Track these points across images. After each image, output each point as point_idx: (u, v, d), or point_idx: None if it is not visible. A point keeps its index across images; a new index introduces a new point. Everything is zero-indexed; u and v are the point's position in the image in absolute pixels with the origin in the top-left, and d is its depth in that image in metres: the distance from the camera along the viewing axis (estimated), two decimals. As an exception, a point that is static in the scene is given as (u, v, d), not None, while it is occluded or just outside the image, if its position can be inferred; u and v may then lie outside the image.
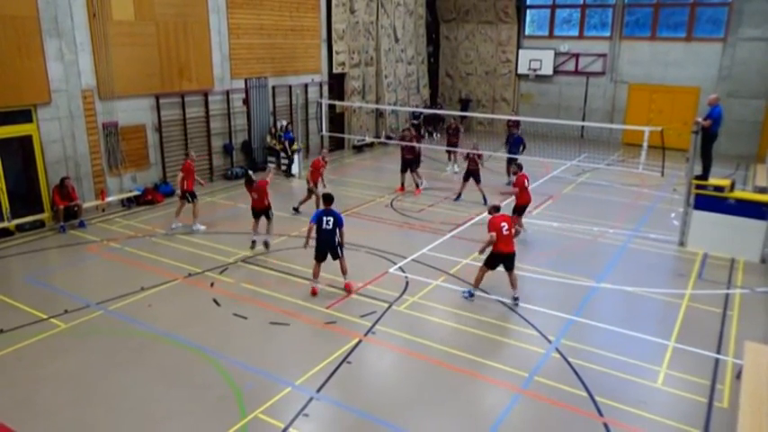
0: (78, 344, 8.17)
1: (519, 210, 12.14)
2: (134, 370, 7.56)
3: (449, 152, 18.79)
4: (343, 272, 9.86)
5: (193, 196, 12.88)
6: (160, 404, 6.88)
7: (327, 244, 9.63)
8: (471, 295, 9.68)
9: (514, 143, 17.07)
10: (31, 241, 12.15)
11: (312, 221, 9.68)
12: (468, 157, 15.31)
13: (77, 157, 13.66)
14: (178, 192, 13.19)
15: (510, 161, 16.20)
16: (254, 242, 11.71)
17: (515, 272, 9.59)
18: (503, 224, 9.32)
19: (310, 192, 13.99)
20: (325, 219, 9.57)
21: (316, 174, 13.99)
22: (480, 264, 9.67)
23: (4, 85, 12.06)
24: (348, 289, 9.85)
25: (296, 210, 14.08)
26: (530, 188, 12.38)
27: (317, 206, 13.12)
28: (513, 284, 9.53)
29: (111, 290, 9.74)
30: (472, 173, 15.08)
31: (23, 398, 6.95)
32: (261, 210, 11.77)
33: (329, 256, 9.74)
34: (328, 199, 9.88)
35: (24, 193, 13.01)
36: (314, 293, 9.67)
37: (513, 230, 9.50)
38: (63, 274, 10.78)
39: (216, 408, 6.78)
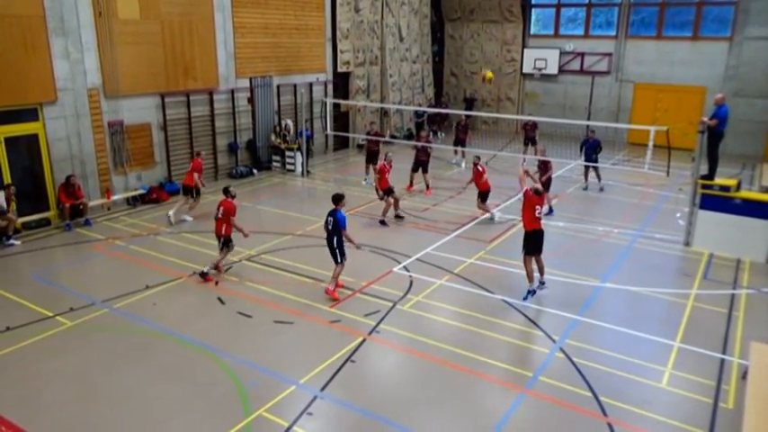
0: (83, 342, 8.21)
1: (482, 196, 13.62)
2: (139, 368, 7.58)
3: (456, 148, 18.92)
4: (333, 276, 9.54)
5: (198, 192, 13.04)
6: (164, 402, 6.91)
7: (328, 245, 9.57)
8: (531, 293, 9.63)
9: (590, 147, 16.53)
10: (36, 239, 12.20)
11: None
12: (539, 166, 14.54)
13: (83, 156, 13.72)
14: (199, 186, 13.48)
15: (587, 168, 16.44)
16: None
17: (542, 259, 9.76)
18: (536, 206, 9.58)
19: (382, 198, 13.55)
20: (327, 219, 9.52)
21: (383, 180, 13.43)
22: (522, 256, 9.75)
23: (10, 83, 12.12)
24: (327, 293, 9.47)
25: (382, 222, 13.46)
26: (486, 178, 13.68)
27: (396, 209, 13.67)
28: (542, 270, 9.71)
29: (116, 288, 9.78)
30: (422, 163, 15.76)
31: (29, 395, 6.99)
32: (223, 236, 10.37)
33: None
34: (335, 199, 9.64)
35: (30, 191, 13.07)
36: (326, 293, 9.62)
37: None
38: (69, 272, 10.83)
39: (220, 406, 6.80)
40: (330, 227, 9.43)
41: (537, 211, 9.59)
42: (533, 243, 9.61)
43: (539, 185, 10.20)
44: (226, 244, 10.27)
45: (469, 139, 18.77)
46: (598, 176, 16.69)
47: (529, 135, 19.65)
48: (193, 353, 7.94)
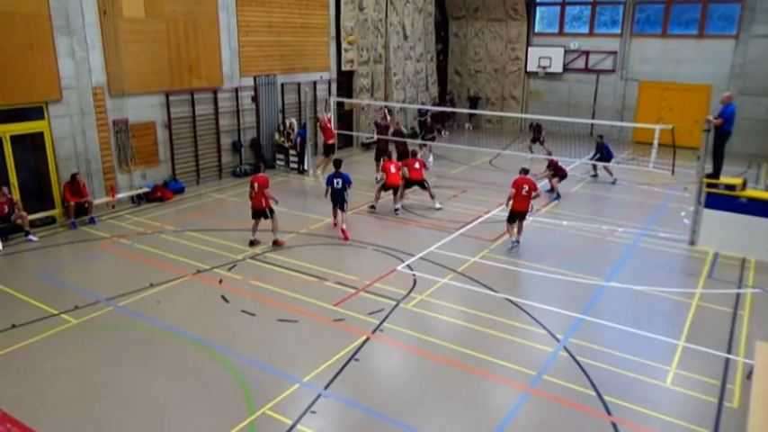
0: (88, 339, 8.24)
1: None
2: (143, 365, 7.61)
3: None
4: (342, 220, 12.32)
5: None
6: (168, 399, 6.93)
7: (338, 198, 12.35)
8: (515, 243, 11.55)
9: (606, 148, 17.07)
10: (42, 237, 12.25)
11: (327, 184, 12.50)
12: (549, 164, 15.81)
13: (88, 154, 13.76)
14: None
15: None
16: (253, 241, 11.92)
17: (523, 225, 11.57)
18: (524, 186, 11.29)
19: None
20: (335, 180, 12.31)
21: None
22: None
23: (16, 81, 12.17)
24: (344, 234, 12.11)
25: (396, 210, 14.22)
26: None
27: (432, 197, 14.43)
28: (519, 231, 11.62)
29: (120, 286, 9.82)
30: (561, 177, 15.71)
31: (34, 392, 7.02)
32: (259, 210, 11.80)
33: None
34: (337, 164, 12.88)
35: (36, 189, 13.12)
36: (335, 226, 12.45)
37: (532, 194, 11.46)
38: (73, 269, 10.88)
39: (224, 404, 6.81)
40: (340, 185, 12.30)
41: (524, 190, 11.26)
42: (514, 216, 11.57)
43: (527, 167, 12.03)
44: (271, 213, 11.65)
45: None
46: (610, 172, 17.24)
47: (536, 137, 19.63)
48: (197, 351, 7.96)
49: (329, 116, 16.96)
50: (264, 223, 11.84)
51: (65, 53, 12.98)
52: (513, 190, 11.33)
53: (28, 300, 9.35)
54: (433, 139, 19.99)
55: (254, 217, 11.74)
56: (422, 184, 14.20)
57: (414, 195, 15.68)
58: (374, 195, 14.46)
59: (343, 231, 12.22)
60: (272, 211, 11.66)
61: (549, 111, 24.12)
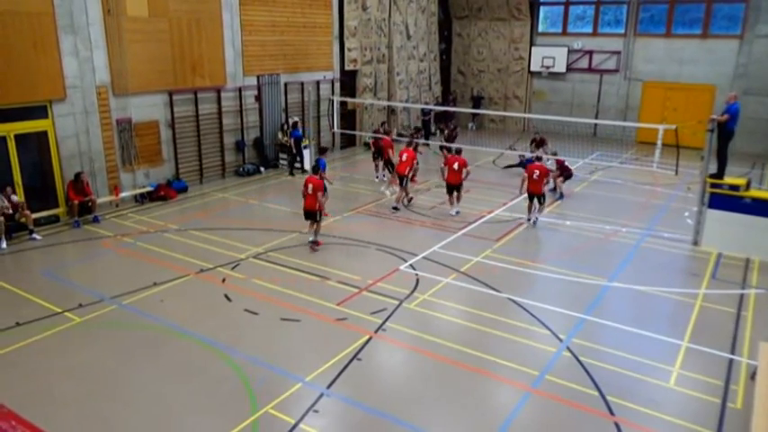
0: (93, 338, 8.26)
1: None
2: (147, 364, 7.63)
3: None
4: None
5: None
6: (172, 398, 6.95)
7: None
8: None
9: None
10: (45, 236, 12.29)
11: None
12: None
13: (92, 153, 13.80)
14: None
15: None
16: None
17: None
18: (535, 171, 12.82)
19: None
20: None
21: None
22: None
23: (20, 81, 12.21)
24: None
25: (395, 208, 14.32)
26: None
27: (399, 200, 14.51)
28: (539, 210, 13.17)
29: (124, 284, 9.84)
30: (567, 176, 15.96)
31: (38, 390, 7.05)
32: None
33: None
34: (321, 150, 14.13)
35: (40, 187, 13.16)
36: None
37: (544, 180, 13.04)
38: (77, 268, 10.91)
39: (227, 402, 6.83)
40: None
41: (535, 175, 12.78)
42: (531, 197, 13.08)
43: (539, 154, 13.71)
44: (319, 216, 11.61)
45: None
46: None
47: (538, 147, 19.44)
48: (201, 350, 7.97)
49: (392, 137, 15.85)
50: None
51: (69, 52, 13.01)
52: (526, 174, 13.00)
53: (32, 298, 9.38)
54: (430, 137, 20.02)
55: (306, 218, 11.67)
56: (458, 188, 13.72)
57: (417, 195, 15.67)
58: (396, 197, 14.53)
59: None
60: (320, 213, 11.59)
61: (553, 111, 24.10)
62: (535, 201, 13.05)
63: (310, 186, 11.41)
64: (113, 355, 7.84)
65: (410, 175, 14.38)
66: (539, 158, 13.12)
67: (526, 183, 13.01)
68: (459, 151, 14.00)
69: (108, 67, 13.84)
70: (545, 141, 18.26)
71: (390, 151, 16.08)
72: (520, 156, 18.17)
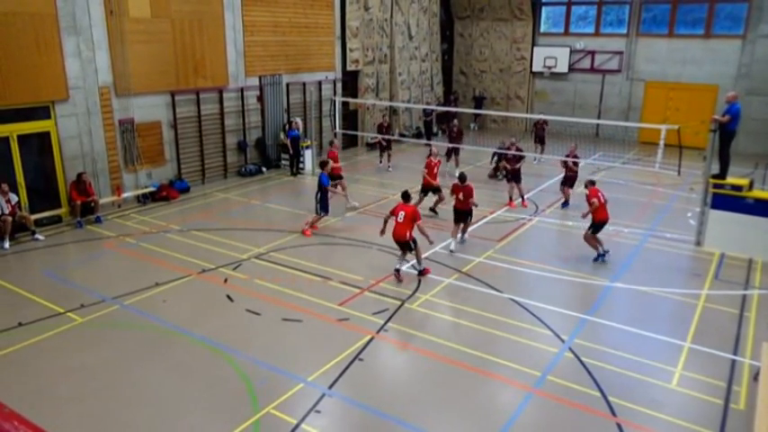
0: (95, 338, 8.27)
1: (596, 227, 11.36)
2: (149, 364, 7.64)
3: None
4: (308, 221, 12.71)
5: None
6: (174, 398, 6.95)
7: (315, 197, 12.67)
8: (602, 256, 11.12)
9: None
10: (48, 236, 12.31)
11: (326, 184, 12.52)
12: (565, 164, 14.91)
13: (94, 154, 13.82)
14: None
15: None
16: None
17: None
18: (599, 194, 11.06)
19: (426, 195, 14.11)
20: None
21: (432, 175, 13.83)
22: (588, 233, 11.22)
23: (23, 81, 12.23)
24: (303, 233, 12.39)
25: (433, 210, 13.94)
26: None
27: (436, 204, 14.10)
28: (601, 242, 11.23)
29: (126, 285, 9.85)
30: (569, 178, 14.81)
31: (40, 390, 7.06)
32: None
33: None
34: (321, 164, 13.12)
35: (42, 188, 13.18)
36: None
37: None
38: (79, 268, 10.92)
39: (229, 403, 6.83)
40: (317, 183, 12.58)
41: (602, 198, 11.12)
42: (600, 227, 11.19)
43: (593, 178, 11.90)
44: (414, 244, 10.14)
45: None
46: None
47: (539, 134, 19.51)
48: (203, 350, 7.98)
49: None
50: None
51: (71, 53, 13.04)
52: (596, 200, 10.89)
53: (34, 298, 9.40)
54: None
55: (400, 248, 10.37)
56: (466, 216, 11.96)
57: (418, 196, 15.66)
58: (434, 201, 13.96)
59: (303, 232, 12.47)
60: (415, 242, 10.17)
61: (555, 111, 24.08)
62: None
63: (402, 215, 10.03)
64: (115, 355, 7.84)
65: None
66: (592, 182, 11.39)
67: (597, 211, 11.02)
68: (463, 179, 11.87)
69: (110, 68, 13.87)
70: (547, 123, 19.11)
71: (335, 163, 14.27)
72: (495, 153, 17.31)
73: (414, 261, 10.50)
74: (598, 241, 11.19)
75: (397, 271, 10.21)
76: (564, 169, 14.94)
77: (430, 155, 14.32)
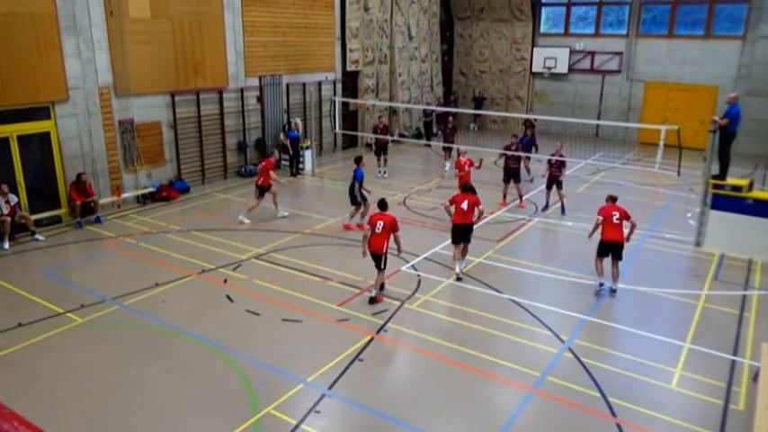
0: (94, 338, 8.27)
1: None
2: (149, 365, 7.64)
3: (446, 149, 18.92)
4: (350, 215, 13.00)
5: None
6: (174, 398, 6.95)
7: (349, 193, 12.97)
8: (602, 285, 9.87)
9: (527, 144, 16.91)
10: (48, 236, 12.30)
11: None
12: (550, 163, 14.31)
13: (94, 154, 13.82)
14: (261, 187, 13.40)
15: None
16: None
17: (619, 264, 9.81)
18: (614, 213, 9.72)
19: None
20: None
21: (466, 175, 13.42)
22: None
23: (23, 81, 12.24)
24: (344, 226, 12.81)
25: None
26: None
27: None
28: (615, 276, 9.76)
29: (126, 285, 9.85)
30: (513, 172, 14.63)
31: (40, 390, 7.06)
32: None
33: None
34: (356, 160, 13.12)
35: (42, 188, 13.18)
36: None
37: (623, 221, 9.71)
38: (79, 269, 10.92)
39: (228, 403, 6.83)
40: (351, 180, 12.77)
41: (615, 218, 9.76)
42: (606, 249, 9.81)
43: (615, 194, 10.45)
44: (384, 263, 9.33)
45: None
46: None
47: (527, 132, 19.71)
48: (202, 350, 7.98)
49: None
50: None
51: (71, 53, 13.04)
52: (601, 217, 9.73)
53: (34, 299, 9.40)
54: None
55: (376, 265, 9.39)
56: (467, 234, 10.57)
57: (418, 196, 15.68)
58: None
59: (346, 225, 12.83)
60: (386, 260, 9.30)
61: (555, 111, 24.09)
62: (609, 257, 9.82)
63: (380, 225, 9.15)
64: (115, 355, 7.84)
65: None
66: (613, 199, 10.12)
67: (602, 228, 9.79)
68: (468, 188, 10.66)
69: (110, 69, 13.87)
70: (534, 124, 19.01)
71: (272, 173, 13.47)
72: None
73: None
74: (599, 266, 9.85)
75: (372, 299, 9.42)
76: (548, 170, 14.17)
77: (459, 155, 14.20)
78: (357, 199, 12.71)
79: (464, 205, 10.29)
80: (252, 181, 16.96)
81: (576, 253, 11.66)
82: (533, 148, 18.71)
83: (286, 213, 13.71)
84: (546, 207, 14.48)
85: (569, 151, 18.68)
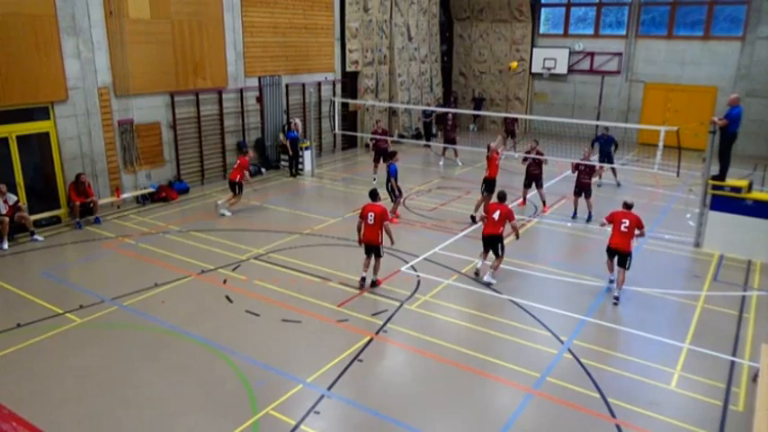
0: (93, 339, 8.26)
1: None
2: (148, 365, 7.63)
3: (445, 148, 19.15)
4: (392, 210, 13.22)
5: (241, 189, 13.99)
6: (173, 399, 6.94)
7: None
8: (612, 282, 10.03)
9: (606, 143, 16.59)
10: (47, 237, 12.29)
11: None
12: (525, 160, 14.51)
13: (93, 154, 13.81)
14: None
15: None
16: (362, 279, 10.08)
17: (625, 272, 9.72)
18: (623, 220, 9.63)
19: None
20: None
21: (494, 167, 13.49)
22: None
23: (22, 82, 12.23)
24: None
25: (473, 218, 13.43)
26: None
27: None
28: (618, 283, 9.71)
29: (125, 286, 9.85)
30: (535, 177, 14.47)
31: (40, 391, 7.05)
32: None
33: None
34: (391, 155, 13.63)
35: (41, 189, 13.18)
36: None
37: (633, 230, 9.61)
38: (78, 269, 10.92)
39: (228, 404, 6.82)
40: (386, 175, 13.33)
41: (623, 225, 9.69)
42: (612, 253, 9.91)
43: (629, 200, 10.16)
44: (381, 251, 9.86)
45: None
46: (614, 172, 17.06)
47: (509, 128, 19.96)
48: (202, 351, 7.97)
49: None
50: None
51: (71, 54, 13.04)
52: (609, 223, 9.85)
53: (33, 299, 9.39)
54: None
55: (366, 253, 9.88)
56: (497, 244, 10.40)
57: (418, 197, 15.68)
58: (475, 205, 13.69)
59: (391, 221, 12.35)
60: (382, 248, 9.84)
61: (554, 112, 24.10)
62: (615, 259, 9.80)
63: (371, 216, 9.58)
64: (114, 356, 7.83)
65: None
66: (628, 206, 9.81)
67: (611, 233, 9.82)
68: (503, 197, 10.52)
69: (110, 69, 13.86)
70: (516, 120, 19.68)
71: (245, 173, 14.14)
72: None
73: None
74: (609, 264, 10.04)
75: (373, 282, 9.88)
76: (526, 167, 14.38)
77: (488, 149, 13.63)
78: (395, 192, 13.25)
79: (495, 215, 10.24)
80: (251, 181, 17.00)
81: (576, 253, 11.67)
82: (511, 141, 19.04)
83: (228, 213, 13.83)
84: (574, 215, 13.95)
85: (569, 151, 18.70)
